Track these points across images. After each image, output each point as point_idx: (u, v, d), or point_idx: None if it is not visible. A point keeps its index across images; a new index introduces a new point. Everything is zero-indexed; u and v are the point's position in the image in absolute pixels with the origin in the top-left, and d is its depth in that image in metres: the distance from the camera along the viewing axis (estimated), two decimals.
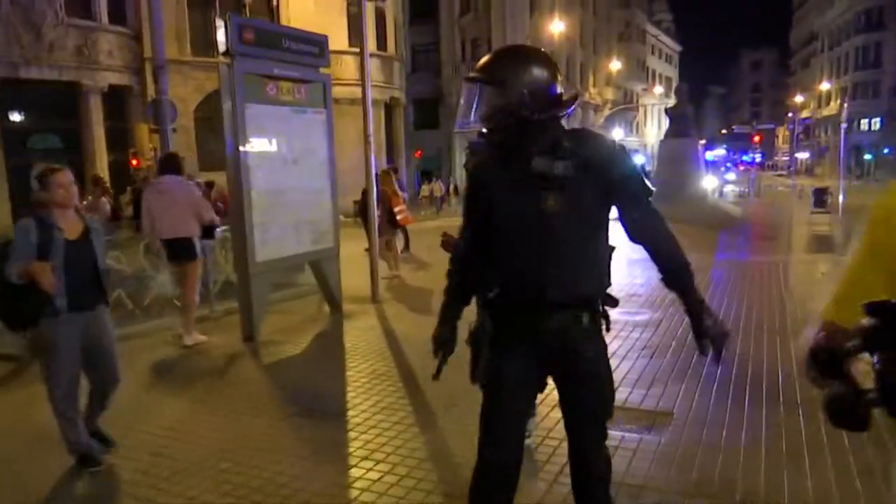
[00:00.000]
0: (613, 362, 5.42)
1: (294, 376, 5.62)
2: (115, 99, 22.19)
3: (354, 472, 3.67)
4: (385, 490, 3.44)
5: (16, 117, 21.19)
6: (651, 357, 5.64)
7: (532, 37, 39.87)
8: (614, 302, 2.47)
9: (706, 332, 2.30)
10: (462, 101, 2.40)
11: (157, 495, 3.48)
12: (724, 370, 5.17)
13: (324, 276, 7.71)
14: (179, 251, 6.39)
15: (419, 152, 35.36)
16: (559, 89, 2.35)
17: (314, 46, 7.26)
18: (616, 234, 2.43)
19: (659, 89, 65.95)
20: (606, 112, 52.13)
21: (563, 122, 2.45)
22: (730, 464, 3.62)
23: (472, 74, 2.32)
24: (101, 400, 3.94)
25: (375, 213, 8.75)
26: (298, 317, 7.73)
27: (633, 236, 2.38)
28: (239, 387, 5.29)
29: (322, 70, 7.59)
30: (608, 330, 2.45)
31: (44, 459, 3.91)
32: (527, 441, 3.40)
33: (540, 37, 40.63)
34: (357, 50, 13.07)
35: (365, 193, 9.01)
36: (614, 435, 4.01)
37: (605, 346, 2.44)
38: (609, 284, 2.46)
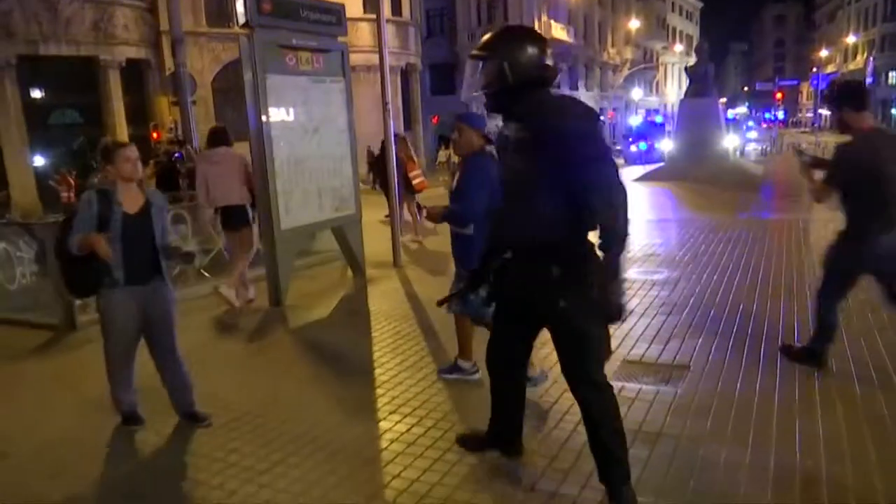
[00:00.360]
0: (631, 319, 5.56)
1: (321, 338, 5.83)
2: (134, 73, 22.33)
3: (383, 425, 3.87)
4: (413, 440, 3.63)
5: (36, 94, 21.43)
6: (668, 314, 5.76)
7: None
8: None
9: (606, 304, 2.54)
10: (466, 75, 2.91)
11: (199, 447, 3.72)
12: (741, 326, 5.30)
13: (346, 242, 7.88)
14: (234, 218, 6.70)
15: (436, 118, 35.20)
16: (548, 62, 2.77)
17: (331, 15, 7.32)
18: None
19: (679, 47, 64.69)
20: (625, 72, 51.38)
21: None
22: (743, 413, 3.75)
23: (473, 52, 2.86)
24: (162, 372, 3.97)
25: (395, 178, 8.86)
26: (323, 282, 7.93)
27: (580, 197, 2.56)
28: (268, 349, 5.51)
29: (339, 39, 7.65)
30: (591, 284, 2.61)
31: (89, 419, 4.16)
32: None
33: None
34: (372, 16, 13.02)
35: (377, 157, 9.15)
36: (632, 387, 4.17)
37: (586, 299, 2.59)
38: (581, 238, 2.66)
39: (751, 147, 36.82)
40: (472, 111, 5.08)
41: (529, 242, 2.69)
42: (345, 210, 7.67)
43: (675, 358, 4.70)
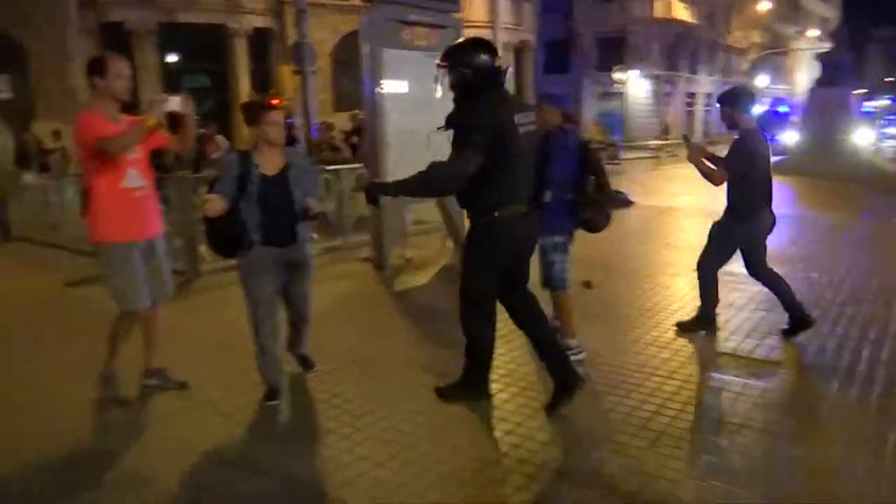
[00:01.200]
0: (729, 312, 5.50)
1: (421, 302, 6.13)
2: (259, 42, 23.47)
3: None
4: (499, 405, 3.83)
5: (171, 58, 22.97)
6: (768, 311, 5.63)
7: None
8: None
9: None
10: (436, 81, 3.73)
11: (307, 389, 4.10)
12: (843, 329, 5.12)
13: (448, 213, 8.13)
14: None
15: None
16: (499, 66, 3.52)
17: None
18: None
19: (814, 32, 60.47)
20: (751, 57, 48.70)
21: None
22: (836, 412, 3.70)
23: (437, 63, 3.68)
24: (297, 334, 4.20)
25: None
26: (425, 250, 8.24)
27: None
28: (371, 310, 5.86)
29: (454, 15, 7.83)
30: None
31: (200, 359, 4.63)
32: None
33: None
34: None
35: None
36: (719, 377, 4.18)
37: (470, 241, 3.75)
38: (485, 201, 3.57)
39: (889, 144, 34.08)
40: (555, 92, 5.34)
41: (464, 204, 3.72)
42: None
43: (768, 354, 4.63)
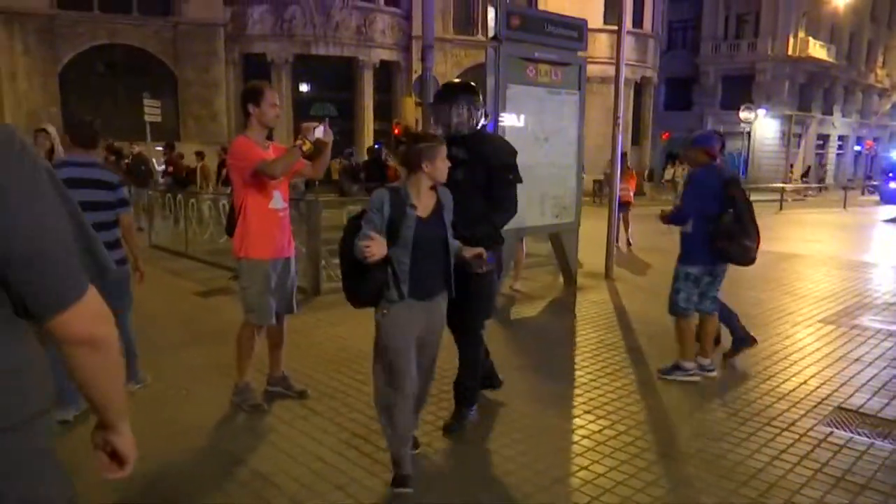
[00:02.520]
0: (856, 367, 5.21)
1: (526, 334, 6.19)
2: (384, 73, 24.58)
3: (577, 422, 4.11)
4: (604, 440, 3.84)
5: (304, 87, 24.47)
6: None
7: (811, 12, 36.06)
8: (501, 240, 3.93)
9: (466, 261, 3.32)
10: (437, 114, 3.98)
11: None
12: None
13: (562, 248, 8.18)
14: None
15: (667, 134, 34.10)
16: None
17: (574, 31, 7.65)
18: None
19: None
20: (894, 98, 45.54)
21: None
22: None
23: (440, 97, 4.03)
24: (416, 402, 3.34)
25: (617, 191, 8.97)
26: (535, 284, 8.31)
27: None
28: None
29: (578, 53, 7.95)
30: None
31: (315, 371, 4.90)
32: None
33: (821, 11, 36.59)
34: (612, 27, 13.09)
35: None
36: (842, 434, 3.98)
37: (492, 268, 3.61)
38: (493, 228, 3.82)
39: None
40: (704, 132, 5.44)
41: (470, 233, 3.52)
42: (564, 218, 7.97)
43: None
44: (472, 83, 4.10)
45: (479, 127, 3.98)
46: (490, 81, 7.10)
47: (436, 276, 3.24)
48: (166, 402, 4.38)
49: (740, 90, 34.96)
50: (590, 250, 9.20)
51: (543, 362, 5.35)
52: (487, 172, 3.79)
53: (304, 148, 4.01)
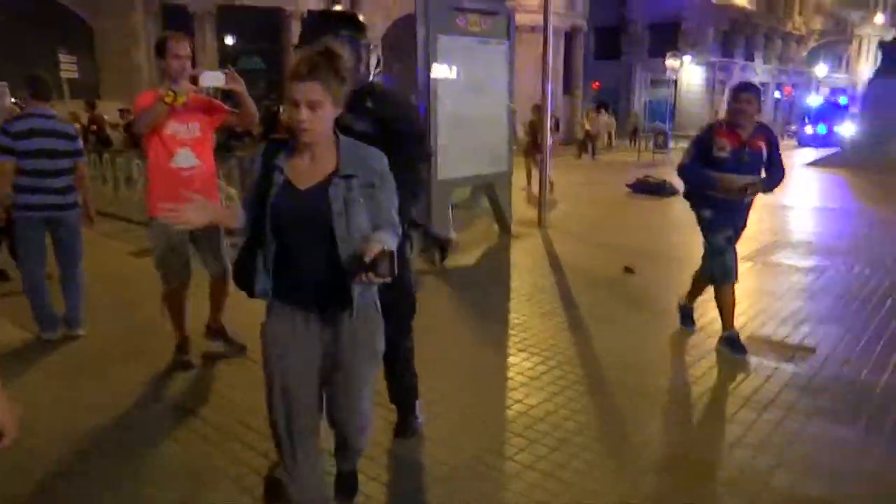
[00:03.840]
0: (765, 299, 5.64)
1: (464, 283, 6.39)
2: None
3: (512, 360, 4.36)
4: (537, 376, 4.09)
5: (229, 40, 23.62)
6: (806, 300, 5.74)
7: None
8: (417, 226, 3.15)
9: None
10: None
11: None
12: (882, 321, 5.18)
13: (496, 199, 8.37)
14: None
15: (597, 84, 34.58)
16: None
17: None
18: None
19: (881, 18, 58.10)
20: (811, 45, 47.26)
21: None
22: (864, 397, 3.84)
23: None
24: (338, 452, 2.68)
25: (548, 141, 9.17)
26: (471, 234, 8.50)
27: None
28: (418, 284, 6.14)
29: (507, 3, 8.02)
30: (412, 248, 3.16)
31: None
32: None
33: None
34: None
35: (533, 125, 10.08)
36: (752, 360, 4.34)
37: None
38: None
39: None
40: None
41: None
42: (497, 167, 8.14)
43: (802, 340, 4.76)
44: (356, 14, 2.99)
45: (371, 79, 2.88)
46: (420, 31, 7.11)
47: (320, 278, 2.19)
48: (114, 359, 4.39)
49: (667, 39, 35.60)
50: (521, 200, 9.44)
51: (479, 307, 5.57)
52: (388, 145, 2.41)
53: (168, 100, 3.73)
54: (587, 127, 21.68)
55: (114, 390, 3.90)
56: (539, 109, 12.41)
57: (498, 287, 6.21)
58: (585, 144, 21.42)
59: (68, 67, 17.38)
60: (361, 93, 2.75)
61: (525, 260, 7.20)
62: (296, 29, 23.16)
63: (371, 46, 2.88)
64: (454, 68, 7.41)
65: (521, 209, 9.26)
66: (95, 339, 4.70)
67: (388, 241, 2.05)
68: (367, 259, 1.97)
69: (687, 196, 4.65)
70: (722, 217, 4.40)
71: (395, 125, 2.76)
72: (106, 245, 7.54)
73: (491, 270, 6.98)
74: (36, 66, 18.64)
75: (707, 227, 4.50)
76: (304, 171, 2.17)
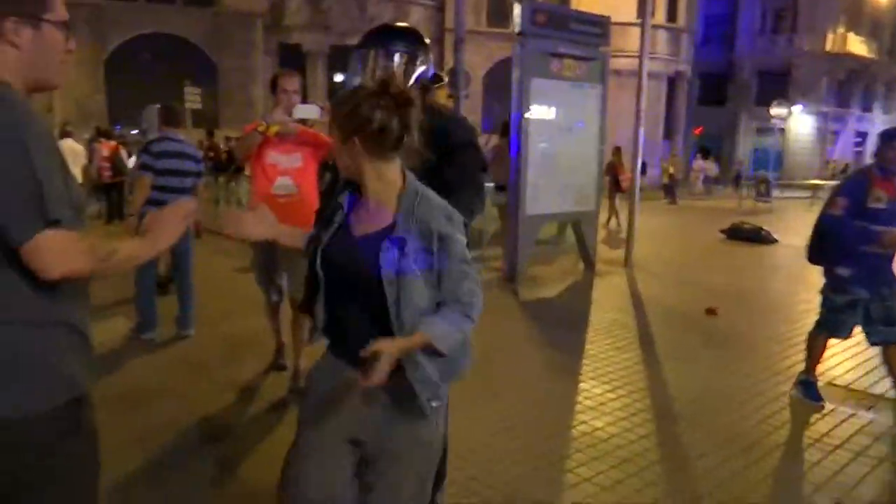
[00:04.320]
0: (856, 348, 5.52)
1: (544, 313, 6.59)
2: None
3: (582, 386, 4.53)
4: (605, 402, 4.24)
5: (339, 78, 25.02)
6: None
7: (851, 7, 35.50)
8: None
9: None
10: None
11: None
12: None
13: (581, 236, 8.54)
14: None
15: (699, 129, 33.96)
16: None
17: (598, 27, 8.00)
18: None
19: None
20: None
21: None
22: None
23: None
24: None
25: (637, 182, 9.26)
26: (555, 269, 8.69)
27: None
28: (500, 314, 6.40)
29: (601, 49, 8.29)
30: None
31: None
32: None
33: (861, 6, 36.03)
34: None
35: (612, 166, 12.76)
36: (827, 406, 4.30)
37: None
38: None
39: None
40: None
41: None
42: (585, 206, 8.34)
43: (886, 391, 4.65)
44: (415, 30, 2.75)
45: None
46: (515, 74, 7.49)
47: (362, 338, 1.74)
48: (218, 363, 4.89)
49: (776, 86, 34.60)
50: (606, 239, 9.55)
51: (554, 336, 5.76)
52: (440, 156, 2.27)
53: (260, 130, 3.98)
54: (671, 171, 21.18)
55: (216, 387, 4.37)
56: (619, 151, 13.87)
57: (576, 319, 6.36)
58: (670, 188, 20.82)
59: (193, 99, 18.95)
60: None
61: (606, 296, 7.32)
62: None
63: (428, 57, 2.66)
64: (547, 110, 7.72)
65: (607, 248, 9.36)
66: (201, 340, 5.24)
67: (435, 330, 1.76)
68: (361, 354, 1.68)
69: (816, 250, 4.25)
70: (862, 274, 4.01)
71: (451, 136, 2.59)
72: (215, 261, 8.24)
73: (571, 304, 7.14)
74: (166, 97, 20.58)
75: (837, 287, 4.13)
76: (365, 218, 1.88)
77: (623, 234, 10.69)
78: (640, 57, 8.80)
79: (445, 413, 2.10)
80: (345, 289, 1.88)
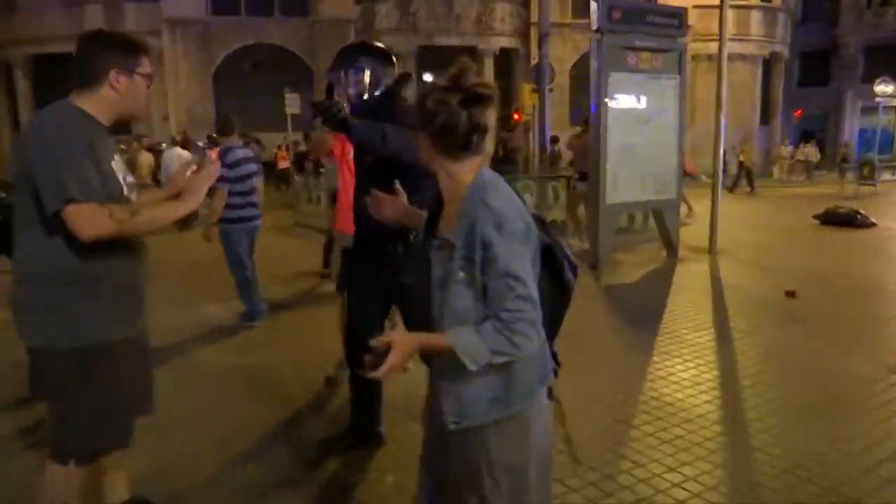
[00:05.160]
0: None
1: (623, 297, 6.93)
2: (504, 60, 25.38)
3: (654, 360, 4.89)
4: (675, 373, 4.59)
5: (428, 77, 25.74)
6: None
7: None
8: None
9: None
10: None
11: None
12: None
13: (663, 223, 8.75)
14: None
15: (799, 111, 32.48)
16: None
17: (674, 19, 8.20)
18: None
19: None
20: None
21: None
22: None
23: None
24: None
25: (721, 171, 9.34)
26: (638, 256, 8.95)
27: None
28: (582, 300, 6.77)
29: (679, 40, 8.46)
30: None
31: None
32: None
33: None
34: (734, 2, 13.20)
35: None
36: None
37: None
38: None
39: None
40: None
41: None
42: (665, 194, 8.55)
43: None
44: (379, 45, 3.39)
45: (383, 92, 3.19)
46: (593, 67, 7.82)
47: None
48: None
49: (886, 62, 32.60)
50: (699, 227, 9.68)
51: (633, 316, 6.11)
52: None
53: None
54: (741, 158, 19.90)
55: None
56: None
57: (655, 302, 6.65)
58: (740, 177, 19.54)
59: (292, 104, 20.14)
60: (380, 106, 3.10)
61: (688, 281, 7.53)
62: (488, 65, 24.75)
63: (391, 66, 3.21)
64: (625, 102, 7.99)
65: (690, 236, 9.49)
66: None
67: (460, 338, 1.64)
68: (371, 344, 1.66)
69: None
70: None
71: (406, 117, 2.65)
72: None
73: (652, 288, 7.41)
74: (268, 104, 21.93)
75: None
76: (445, 215, 1.83)
77: (691, 221, 10.82)
78: (720, 41, 8.82)
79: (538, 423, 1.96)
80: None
